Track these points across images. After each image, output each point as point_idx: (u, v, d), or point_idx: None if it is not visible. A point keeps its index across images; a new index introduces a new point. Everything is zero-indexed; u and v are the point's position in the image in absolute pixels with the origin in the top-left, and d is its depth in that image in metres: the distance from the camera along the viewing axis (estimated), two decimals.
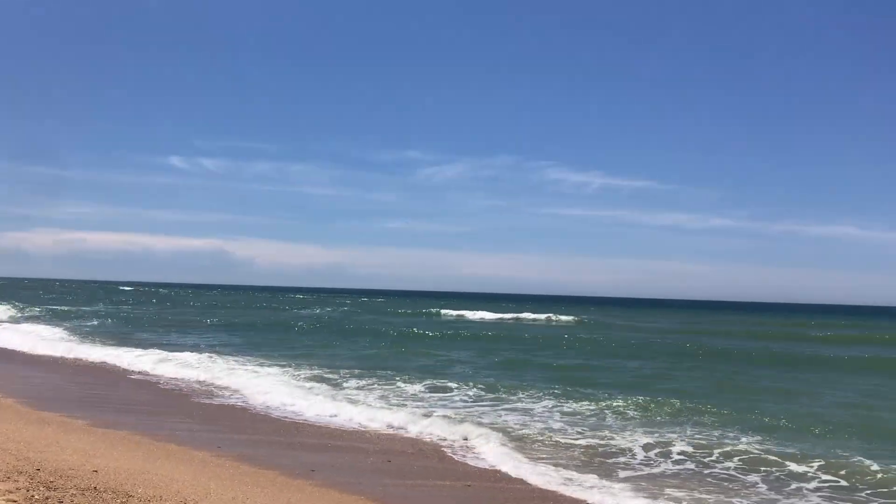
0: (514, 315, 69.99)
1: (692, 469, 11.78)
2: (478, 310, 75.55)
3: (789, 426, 15.29)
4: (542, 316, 68.56)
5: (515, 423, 15.19)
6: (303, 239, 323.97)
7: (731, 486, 10.91)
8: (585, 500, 9.77)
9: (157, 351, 25.87)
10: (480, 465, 11.66)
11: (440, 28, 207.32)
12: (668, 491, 10.42)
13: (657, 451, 12.91)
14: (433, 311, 73.62)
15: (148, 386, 19.60)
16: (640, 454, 12.63)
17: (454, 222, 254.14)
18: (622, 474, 11.32)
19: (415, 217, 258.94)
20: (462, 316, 67.82)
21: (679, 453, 12.75)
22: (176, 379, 20.54)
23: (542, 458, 12.03)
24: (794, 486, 10.95)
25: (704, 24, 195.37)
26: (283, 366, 23.64)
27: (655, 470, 11.71)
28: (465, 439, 13.35)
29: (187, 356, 24.85)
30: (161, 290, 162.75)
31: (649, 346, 36.13)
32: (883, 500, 10.32)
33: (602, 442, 13.51)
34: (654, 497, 10.03)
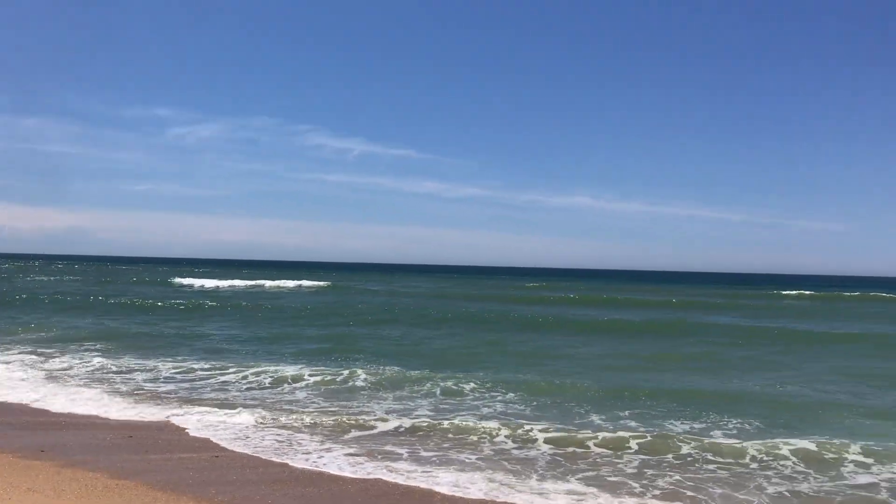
0: (268, 282, 68.45)
1: (428, 426, 12.25)
2: (232, 278, 73.24)
3: (531, 385, 16.36)
4: (293, 282, 67.35)
5: (259, 395, 15.03)
6: (36, 201, 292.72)
7: (463, 437, 11.54)
8: (287, 464, 9.93)
9: None
10: (216, 438, 11.29)
11: None
12: (389, 448, 10.86)
13: (399, 413, 13.39)
14: (181, 280, 69.84)
15: None
16: (379, 416, 12.99)
17: (209, 185, 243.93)
18: (352, 436, 11.60)
19: (165, 179, 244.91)
20: (213, 284, 65.03)
21: (421, 415, 13.31)
22: None
23: (280, 428, 11.99)
24: (522, 430, 11.75)
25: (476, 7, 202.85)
26: None
27: (388, 427, 12.14)
28: (205, 413, 12.93)
29: None
30: None
31: (407, 312, 37.08)
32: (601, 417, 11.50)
33: (344, 408, 13.74)
34: (370, 455, 10.41)
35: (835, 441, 11.66)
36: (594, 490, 9.12)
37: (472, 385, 16.07)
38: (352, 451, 10.66)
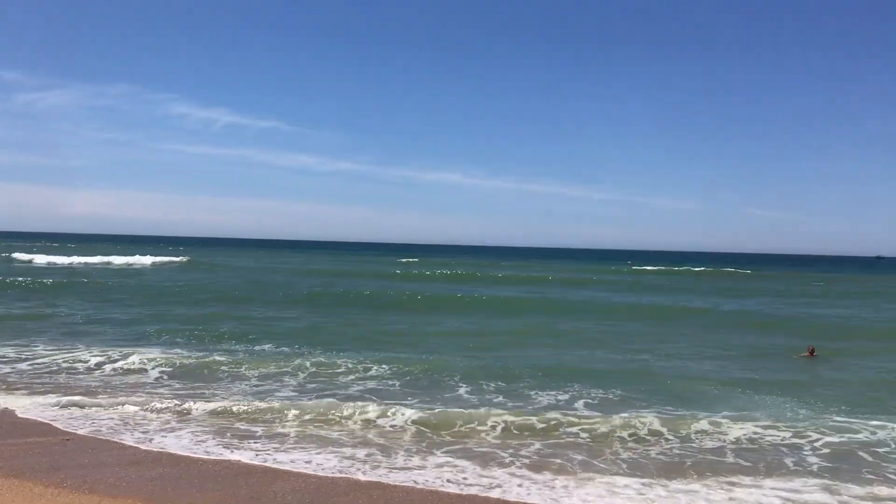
0: (125, 258, 64.13)
1: (288, 405, 11.90)
2: (85, 254, 68.78)
3: (402, 363, 16.36)
4: (151, 258, 63.07)
5: (110, 378, 14.31)
6: None
7: (327, 415, 11.25)
8: (138, 446, 9.54)
9: None
10: (64, 421, 10.58)
11: None
12: (244, 427, 10.60)
13: (260, 392, 13.23)
14: (26, 255, 64.44)
15: None
16: (237, 395, 12.69)
17: (62, 155, 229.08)
18: (208, 416, 11.25)
19: (13, 148, 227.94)
20: (64, 261, 60.41)
21: (284, 395, 13.20)
22: None
23: (132, 410, 11.42)
24: (390, 407, 11.59)
25: None
26: None
27: (245, 407, 11.72)
28: (53, 396, 12.12)
29: None
30: None
31: (277, 289, 36.15)
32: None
33: (199, 389, 13.33)
34: (221, 434, 10.14)
35: (688, 409, 12.36)
36: (463, 462, 9.18)
37: (343, 363, 15.82)
38: (206, 430, 10.35)
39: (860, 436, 10.85)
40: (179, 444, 9.69)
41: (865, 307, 35.39)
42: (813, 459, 9.75)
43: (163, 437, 10.00)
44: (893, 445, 10.44)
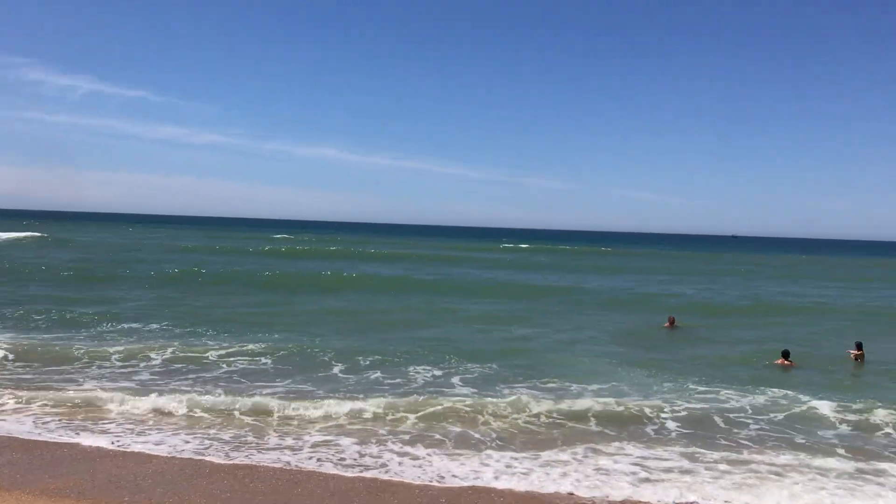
0: None
1: (146, 390, 11.50)
2: None
3: (277, 345, 16.21)
4: (1, 234, 57.90)
5: None
6: None
7: (186, 401, 10.73)
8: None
9: None
10: None
11: None
12: (96, 414, 10.13)
13: (119, 376, 12.69)
14: None
15: None
16: (89, 382, 12.16)
17: None
18: (53, 402, 10.53)
19: None
20: None
21: (145, 379, 12.72)
22: None
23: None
24: (257, 391, 11.32)
25: None
26: None
27: (95, 393, 10.94)
28: None
29: None
30: None
31: (142, 267, 34.36)
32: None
33: (45, 375, 12.64)
34: (70, 418, 9.68)
35: (559, 383, 12.79)
36: (340, 441, 9.05)
37: (214, 344, 15.27)
38: (53, 414, 9.82)
39: (716, 404, 11.49)
40: (22, 428, 9.08)
41: (721, 284, 37.62)
42: (674, 426, 10.23)
43: (2, 421, 9.37)
44: (750, 411, 11.16)
